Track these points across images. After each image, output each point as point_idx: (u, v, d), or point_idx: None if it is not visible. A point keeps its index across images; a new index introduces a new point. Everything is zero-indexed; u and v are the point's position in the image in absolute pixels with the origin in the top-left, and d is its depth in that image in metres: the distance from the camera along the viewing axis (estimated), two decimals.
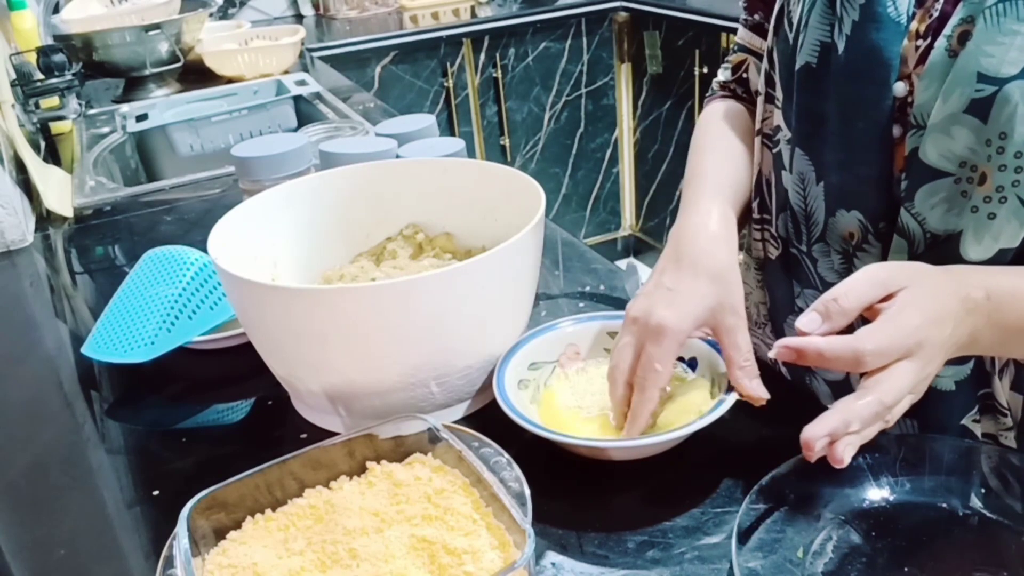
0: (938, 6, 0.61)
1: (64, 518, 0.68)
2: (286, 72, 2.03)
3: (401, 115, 1.15)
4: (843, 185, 0.68)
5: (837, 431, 0.54)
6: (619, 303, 0.89)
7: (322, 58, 2.33)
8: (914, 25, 0.62)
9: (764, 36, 0.79)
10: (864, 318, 0.56)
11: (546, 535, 0.60)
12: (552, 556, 0.58)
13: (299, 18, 2.88)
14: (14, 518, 0.69)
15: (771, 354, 0.56)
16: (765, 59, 0.75)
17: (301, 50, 2.20)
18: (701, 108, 0.89)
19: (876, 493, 0.59)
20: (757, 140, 0.78)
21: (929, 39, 0.61)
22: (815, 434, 0.54)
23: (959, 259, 0.62)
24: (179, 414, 0.81)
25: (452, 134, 2.64)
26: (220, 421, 0.80)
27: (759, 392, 0.62)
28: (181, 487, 0.67)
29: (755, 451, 0.66)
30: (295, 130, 1.61)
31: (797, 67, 0.68)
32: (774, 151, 0.76)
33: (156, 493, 0.69)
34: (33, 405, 0.85)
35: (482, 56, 2.65)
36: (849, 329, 0.55)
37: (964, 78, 0.58)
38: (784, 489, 0.58)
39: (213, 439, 0.77)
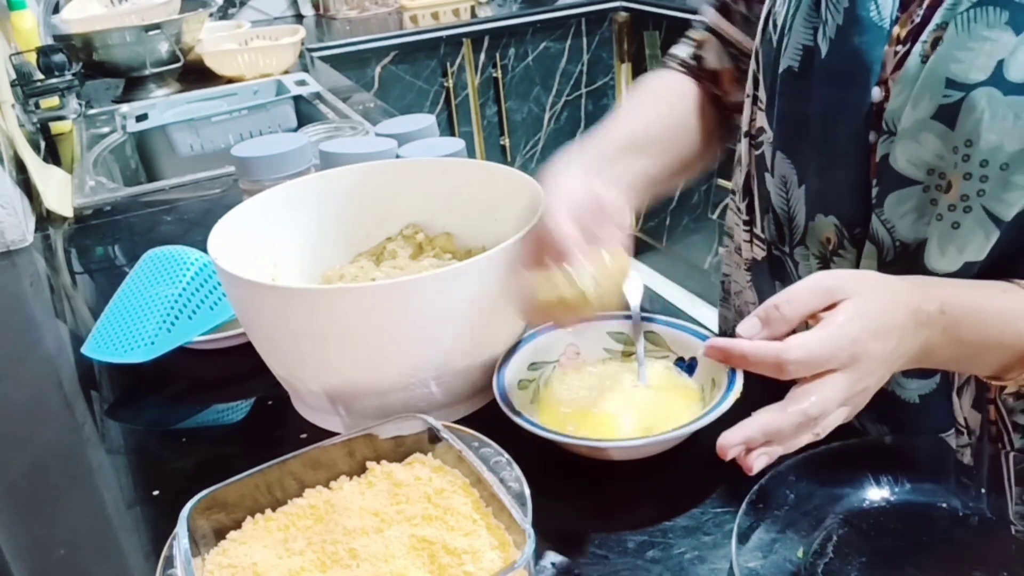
0: (920, 11, 0.60)
1: (64, 518, 0.68)
2: (286, 72, 2.03)
3: (401, 115, 1.15)
4: (822, 189, 0.67)
5: (753, 440, 0.52)
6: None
7: (322, 58, 2.33)
8: (896, 30, 0.61)
9: (731, 20, 0.80)
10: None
11: (546, 535, 0.59)
12: (552, 556, 0.58)
13: (299, 18, 2.88)
14: (14, 518, 0.69)
15: (699, 351, 0.56)
16: (752, 59, 0.75)
17: (301, 50, 2.20)
18: None
19: (876, 493, 0.59)
20: (744, 141, 0.78)
21: (908, 44, 0.60)
22: (730, 441, 0.52)
23: (926, 270, 0.61)
24: (179, 414, 0.81)
25: (452, 134, 2.64)
26: (220, 421, 0.80)
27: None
28: (181, 487, 0.67)
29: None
30: (295, 130, 1.61)
31: (780, 70, 0.68)
32: (757, 153, 0.75)
33: (156, 493, 0.69)
34: (33, 405, 0.85)
35: (482, 56, 2.65)
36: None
37: (933, 83, 0.58)
38: (784, 489, 0.58)
39: (213, 439, 0.77)
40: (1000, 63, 0.55)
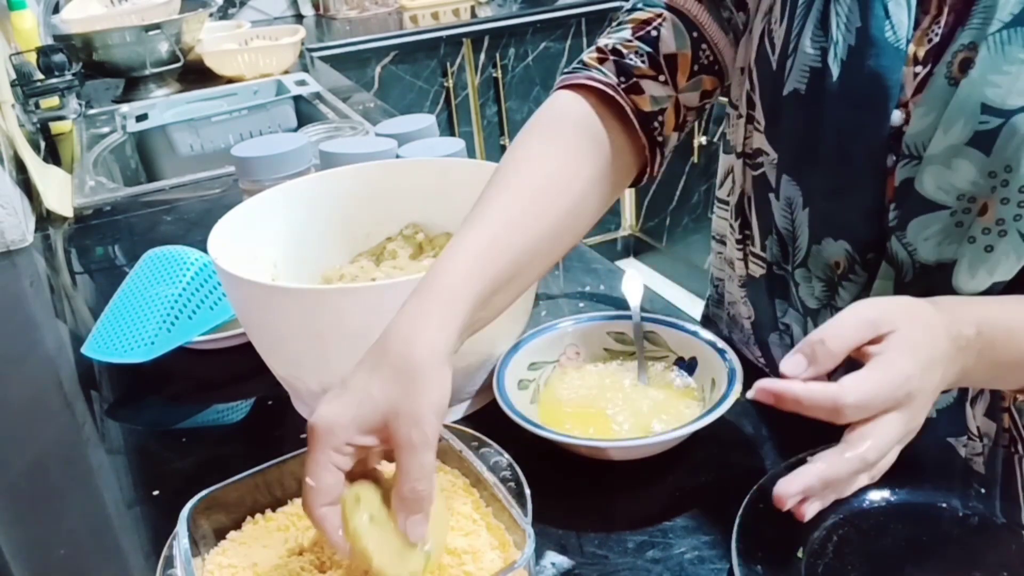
0: (937, 29, 0.58)
1: (64, 518, 0.68)
2: (286, 72, 2.03)
3: (401, 115, 1.15)
4: (832, 212, 0.65)
5: (812, 489, 0.50)
6: (619, 303, 0.89)
7: (322, 58, 2.33)
8: (911, 49, 0.59)
9: (701, 2, 0.69)
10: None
11: (546, 535, 0.60)
12: (552, 556, 0.58)
13: (299, 18, 2.88)
14: (14, 518, 0.69)
15: (749, 394, 0.52)
16: (745, 77, 0.71)
17: (301, 50, 2.20)
18: None
19: (876, 493, 0.59)
20: (739, 161, 0.74)
21: (929, 66, 0.58)
22: (788, 492, 0.49)
23: (949, 290, 0.60)
24: (179, 414, 0.81)
25: (452, 134, 2.64)
26: (220, 421, 0.80)
27: (413, 533, 0.49)
28: (181, 487, 0.67)
29: (755, 451, 0.66)
30: (295, 130, 1.60)
31: (785, 92, 0.65)
32: (756, 173, 0.72)
33: (156, 493, 0.69)
34: (33, 405, 0.85)
35: (482, 56, 2.65)
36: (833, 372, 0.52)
37: (967, 109, 0.55)
38: None
39: (213, 439, 0.77)
40: None
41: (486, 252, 0.57)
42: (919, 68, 0.58)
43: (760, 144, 0.70)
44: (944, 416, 0.67)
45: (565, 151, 0.65)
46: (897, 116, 0.59)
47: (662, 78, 0.68)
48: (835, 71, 0.60)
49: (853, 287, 0.65)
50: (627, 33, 0.69)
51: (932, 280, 0.60)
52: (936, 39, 0.58)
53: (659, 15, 0.68)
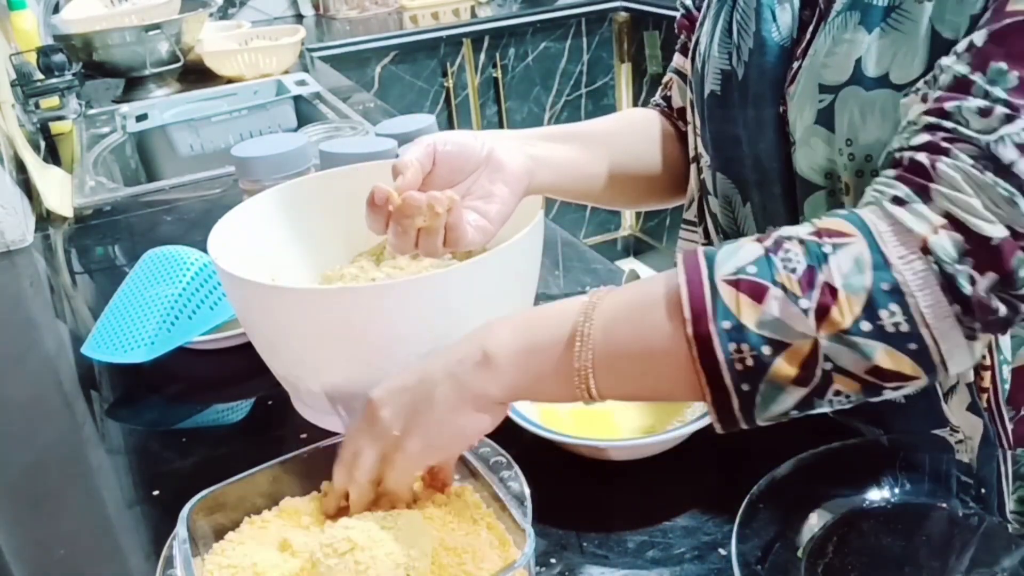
0: (811, 28, 0.63)
1: (64, 518, 0.68)
2: (286, 72, 2.03)
3: (401, 115, 1.15)
4: (764, 204, 0.70)
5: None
6: None
7: (322, 58, 2.33)
8: (798, 48, 0.64)
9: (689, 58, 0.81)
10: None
11: (546, 535, 0.60)
12: (552, 556, 0.58)
13: (299, 18, 2.88)
14: (14, 518, 0.69)
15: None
16: (688, 88, 0.77)
17: (301, 50, 2.19)
18: None
19: (876, 493, 0.59)
20: (693, 167, 0.80)
21: (800, 60, 0.63)
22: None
23: None
24: (179, 414, 0.81)
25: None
26: (220, 421, 0.80)
27: None
28: (181, 487, 0.67)
29: (755, 451, 0.66)
30: (295, 130, 1.60)
31: (705, 95, 0.71)
32: (701, 176, 0.77)
33: (156, 493, 0.69)
34: (33, 405, 0.85)
35: (482, 56, 2.65)
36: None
37: (810, 90, 0.61)
38: (784, 489, 0.58)
39: (213, 439, 0.77)
40: (858, 61, 0.58)
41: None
42: (796, 63, 0.64)
43: (700, 148, 0.76)
44: (917, 406, 0.67)
45: (636, 113, 0.86)
46: (781, 108, 0.65)
47: (683, 124, 0.83)
48: (740, 72, 0.67)
49: None
50: (659, 92, 0.87)
51: None
52: (809, 35, 0.63)
53: (670, 79, 0.85)
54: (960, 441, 0.68)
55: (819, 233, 0.48)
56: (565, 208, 2.99)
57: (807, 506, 0.58)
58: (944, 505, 0.59)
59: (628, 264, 3.05)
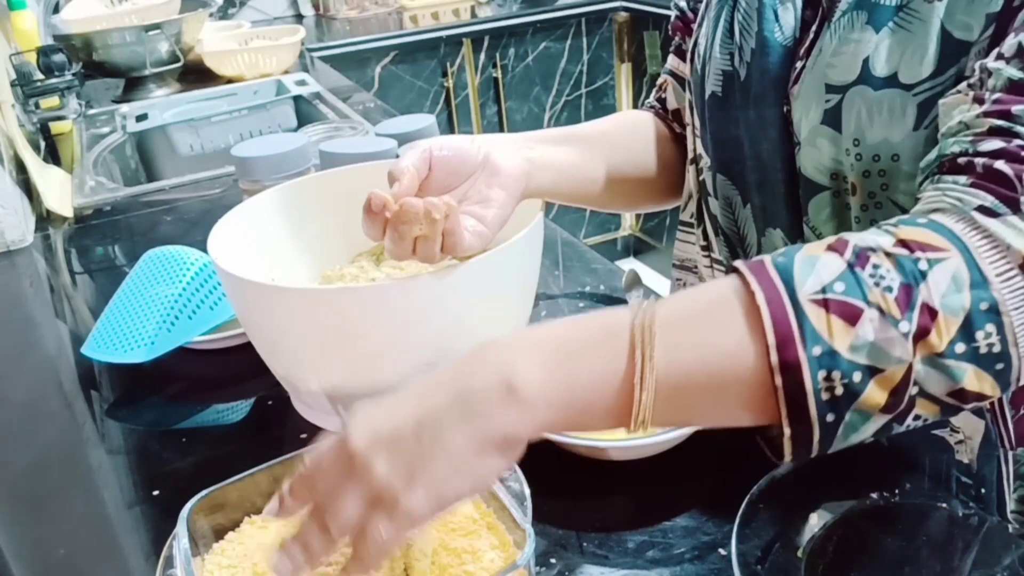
0: (815, 27, 0.63)
1: (64, 518, 0.68)
2: (286, 72, 2.03)
3: (401, 115, 1.15)
4: (764, 205, 0.70)
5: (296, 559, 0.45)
6: (619, 303, 0.89)
7: (322, 58, 2.33)
8: (801, 48, 0.64)
9: (686, 60, 0.81)
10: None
11: (546, 535, 0.60)
12: (552, 556, 0.58)
13: (299, 18, 2.88)
14: (14, 518, 0.69)
15: None
16: (686, 90, 0.77)
17: (301, 50, 2.19)
18: None
19: (876, 493, 0.59)
20: (691, 168, 0.80)
21: (804, 59, 0.63)
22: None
23: None
24: (179, 414, 0.81)
25: (452, 134, 2.63)
26: (220, 421, 0.80)
27: None
28: (181, 487, 0.67)
29: (755, 451, 0.66)
30: (295, 130, 1.60)
31: (706, 96, 0.71)
32: (700, 178, 0.77)
33: (156, 493, 0.69)
34: (33, 405, 0.85)
35: (482, 56, 2.65)
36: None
37: (815, 90, 0.61)
38: (784, 489, 0.58)
39: (213, 439, 0.77)
40: (866, 61, 0.58)
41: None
42: (799, 63, 0.64)
43: (700, 149, 0.76)
44: None
45: (629, 116, 0.86)
46: (786, 108, 0.65)
47: (676, 126, 0.84)
48: (742, 73, 0.67)
49: None
50: (653, 95, 0.87)
51: None
52: (812, 35, 0.63)
53: (664, 81, 0.85)
54: (960, 441, 0.68)
55: (907, 245, 0.44)
56: (565, 208, 2.98)
57: (807, 506, 0.58)
58: (944, 505, 0.59)
59: (628, 264, 3.04)
